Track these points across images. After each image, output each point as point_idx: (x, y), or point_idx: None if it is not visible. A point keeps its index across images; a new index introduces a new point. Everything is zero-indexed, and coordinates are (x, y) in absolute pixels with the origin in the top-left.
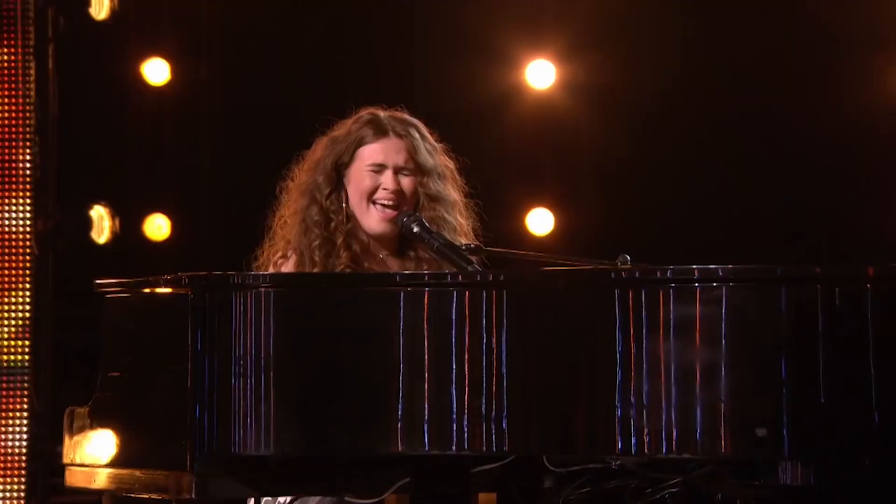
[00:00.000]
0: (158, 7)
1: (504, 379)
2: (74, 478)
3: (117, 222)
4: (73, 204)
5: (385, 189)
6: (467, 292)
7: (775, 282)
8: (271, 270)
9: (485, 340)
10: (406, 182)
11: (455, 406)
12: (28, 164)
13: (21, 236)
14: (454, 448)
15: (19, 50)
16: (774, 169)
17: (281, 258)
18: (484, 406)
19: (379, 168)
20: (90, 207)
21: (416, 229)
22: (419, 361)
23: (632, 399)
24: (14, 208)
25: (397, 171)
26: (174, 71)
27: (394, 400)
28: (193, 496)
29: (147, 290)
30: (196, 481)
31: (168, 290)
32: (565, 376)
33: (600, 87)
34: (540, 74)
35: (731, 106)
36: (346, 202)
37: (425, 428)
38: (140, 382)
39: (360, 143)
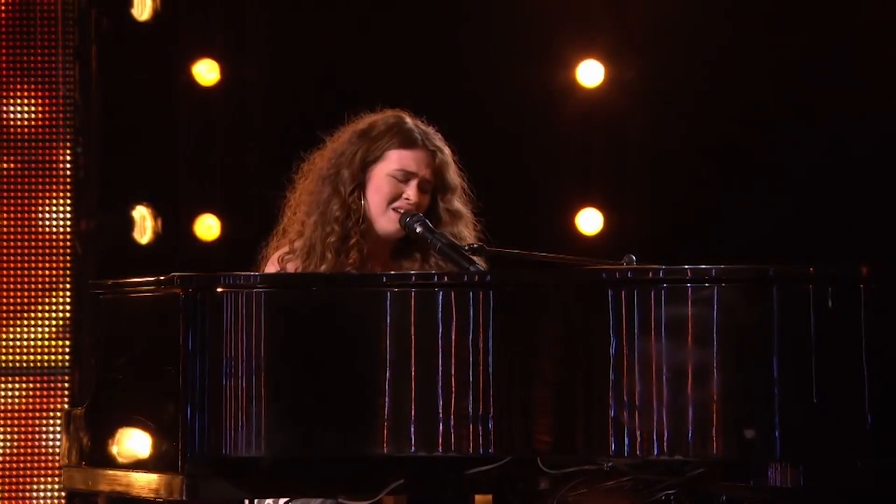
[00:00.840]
0: (208, 7)
1: (491, 380)
2: (72, 479)
3: (159, 222)
4: (116, 204)
5: (407, 199)
6: (453, 293)
7: (767, 282)
8: (276, 266)
9: (471, 341)
10: (424, 198)
11: (441, 407)
12: (69, 165)
13: (62, 236)
14: (440, 449)
15: (61, 51)
16: (832, 170)
17: (288, 254)
18: (470, 407)
19: (406, 176)
20: (132, 207)
21: (419, 229)
22: (405, 362)
23: (624, 400)
24: (55, 209)
25: (421, 183)
26: (224, 71)
27: (380, 401)
28: (184, 497)
29: (140, 292)
30: (187, 483)
31: (160, 290)
32: (554, 377)
33: (650, 85)
34: (590, 74)
35: (785, 105)
36: (365, 200)
37: (412, 429)
38: (134, 383)
39: (391, 145)
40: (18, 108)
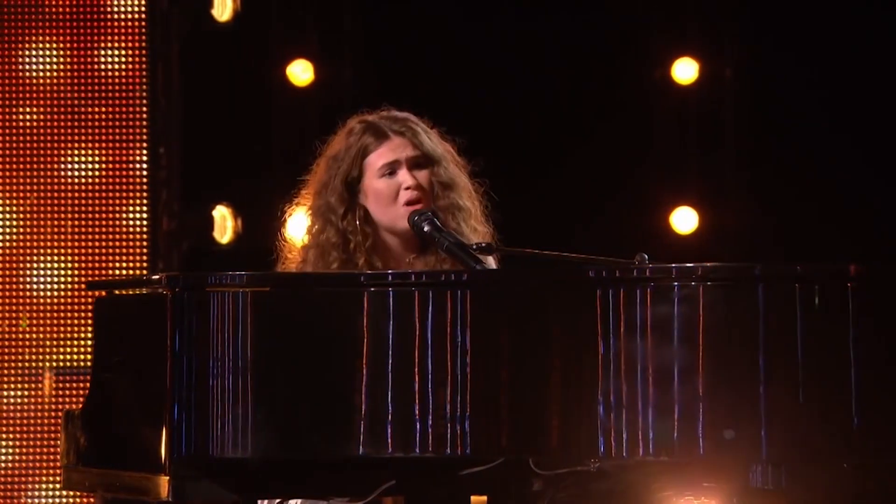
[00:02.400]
0: (302, 7)
1: (469, 380)
2: (70, 480)
3: (240, 222)
4: (197, 204)
5: (407, 188)
6: (430, 292)
7: (752, 280)
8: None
9: (449, 341)
10: (422, 175)
11: (418, 408)
12: (145, 166)
13: (139, 237)
14: (418, 450)
15: (143, 52)
16: None
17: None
18: (448, 407)
19: (391, 168)
20: (213, 207)
21: (426, 228)
22: (383, 362)
23: (611, 400)
24: (133, 209)
25: (410, 165)
26: (318, 71)
27: (357, 402)
28: (170, 499)
29: (132, 291)
30: (173, 483)
31: (149, 290)
32: (536, 378)
33: (745, 83)
34: (684, 71)
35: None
36: (364, 221)
37: (388, 430)
38: (126, 383)
39: (365, 152)
40: (96, 111)
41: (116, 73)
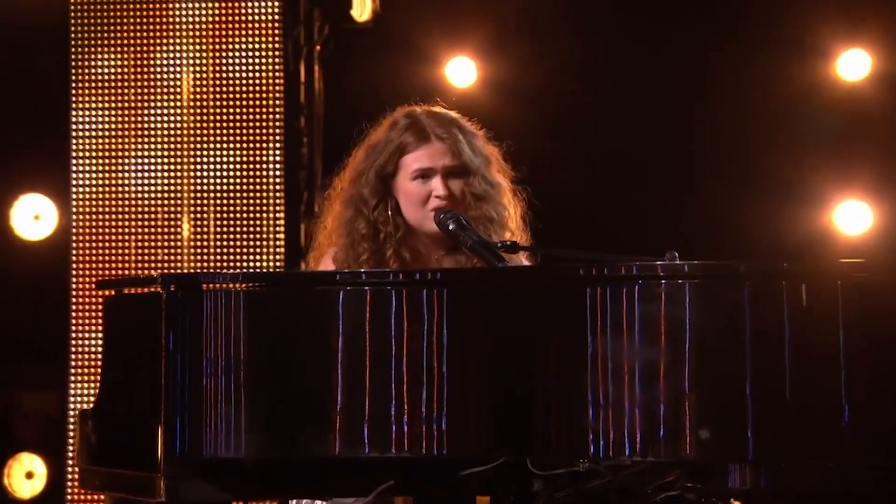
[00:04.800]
0: (466, 6)
1: (445, 379)
2: (84, 479)
3: None
4: None
5: (437, 196)
6: (405, 291)
7: (739, 278)
8: (331, 264)
9: (425, 340)
10: (456, 185)
11: (394, 407)
12: (282, 165)
13: (273, 236)
14: (394, 450)
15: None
16: None
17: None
18: (424, 406)
19: (426, 174)
20: None
21: (451, 226)
22: (359, 361)
23: (599, 399)
24: (268, 209)
25: (445, 174)
26: (480, 69)
27: (333, 401)
28: (164, 499)
29: (132, 290)
30: (166, 483)
31: (146, 289)
32: (515, 376)
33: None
34: (851, 65)
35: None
36: (396, 211)
37: (364, 430)
38: (128, 383)
39: (403, 151)
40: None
41: (253, 75)
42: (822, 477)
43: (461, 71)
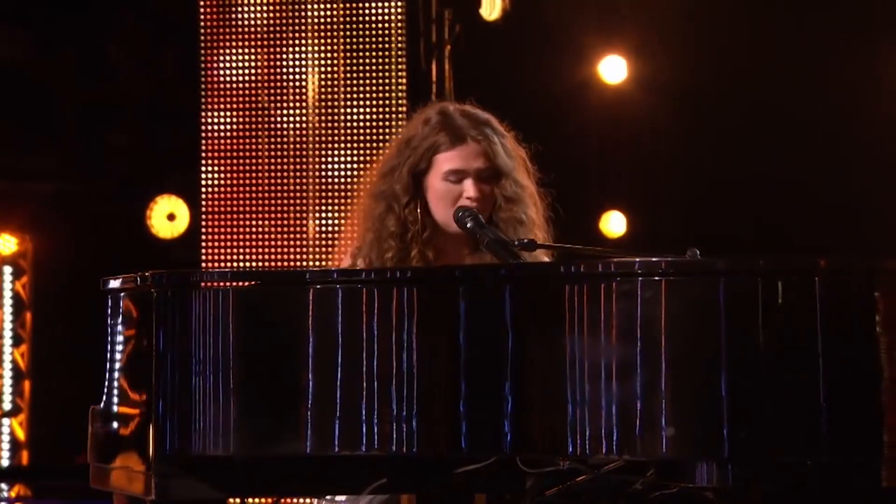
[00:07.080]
0: (615, 5)
1: (415, 378)
2: (93, 476)
3: None
4: None
5: (468, 198)
6: (376, 290)
7: (714, 275)
8: (350, 261)
9: (394, 338)
10: (487, 188)
11: (364, 405)
12: None
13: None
14: (364, 448)
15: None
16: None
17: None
18: (394, 405)
19: (458, 175)
20: None
21: (469, 224)
22: (331, 360)
23: (577, 397)
24: None
25: (477, 176)
26: (631, 68)
27: (304, 399)
28: (154, 497)
29: (129, 288)
30: (157, 481)
31: (139, 287)
32: (487, 375)
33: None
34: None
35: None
36: (425, 210)
37: (335, 428)
38: (126, 381)
39: (436, 150)
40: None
41: (379, 75)
42: (798, 474)
43: (614, 69)
